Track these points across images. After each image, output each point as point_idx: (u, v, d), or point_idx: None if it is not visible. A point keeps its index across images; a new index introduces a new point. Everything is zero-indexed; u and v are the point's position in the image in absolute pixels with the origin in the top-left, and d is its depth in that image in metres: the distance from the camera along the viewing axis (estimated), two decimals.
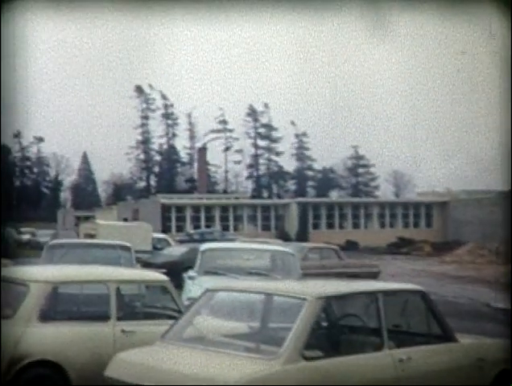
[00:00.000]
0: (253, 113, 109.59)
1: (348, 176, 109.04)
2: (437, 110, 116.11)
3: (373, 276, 25.02)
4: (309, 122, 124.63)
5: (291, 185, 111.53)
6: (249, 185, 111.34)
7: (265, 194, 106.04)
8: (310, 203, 63.84)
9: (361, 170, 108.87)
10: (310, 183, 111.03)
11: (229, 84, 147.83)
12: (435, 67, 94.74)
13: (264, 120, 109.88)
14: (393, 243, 54.93)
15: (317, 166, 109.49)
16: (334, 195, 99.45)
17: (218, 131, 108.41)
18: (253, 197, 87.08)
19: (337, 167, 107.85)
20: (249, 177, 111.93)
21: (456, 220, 58.96)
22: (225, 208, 59.08)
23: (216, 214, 57.91)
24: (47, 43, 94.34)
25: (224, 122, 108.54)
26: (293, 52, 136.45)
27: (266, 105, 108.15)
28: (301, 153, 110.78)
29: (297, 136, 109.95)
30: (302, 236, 54.28)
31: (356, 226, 60.72)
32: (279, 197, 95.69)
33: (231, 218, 58.32)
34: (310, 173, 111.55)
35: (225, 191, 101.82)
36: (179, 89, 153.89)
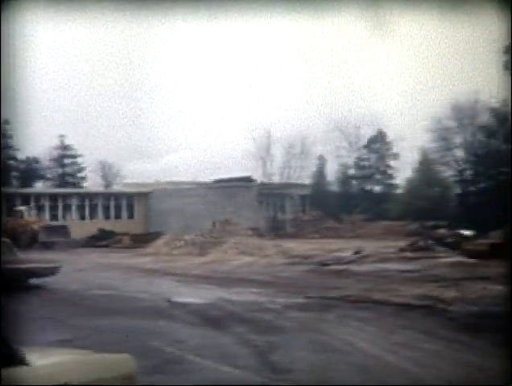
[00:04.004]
0: None
1: (53, 166, 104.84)
2: None
3: (52, 272, 22.94)
4: (12, 110, 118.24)
5: None
6: None
7: None
8: None
9: (67, 161, 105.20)
10: (14, 174, 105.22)
11: None
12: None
13: None
14: (93, 235, 53.14)
15: (21, 155, 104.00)
16: (39, 186, 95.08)
17: None
18: None
19: (42, 157, 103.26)
20: None
21: (159, 211, 58.52)
22: None
23: None
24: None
25: None
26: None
27: None
28: (4, 142, 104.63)
29: None
30: None
31: (54, 218, 57.61)
32: None
33: None
34: (13, 163, 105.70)
35: None
36: None
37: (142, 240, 47.90)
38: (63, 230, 51.08)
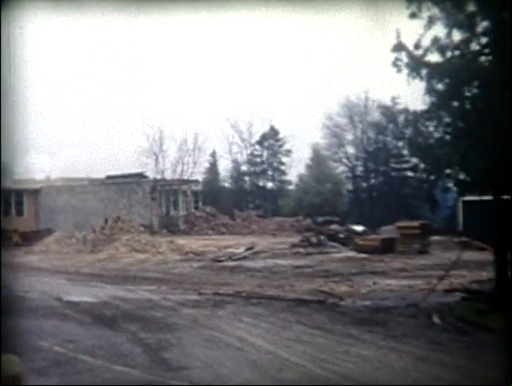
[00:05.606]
0: None
1: None
2: None
3: None
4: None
5: None
6: None
7: None
8: None
9: None
10: None
11: None
12: None
13: None
14: None
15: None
16: None
17: None
18: None
19: None
20: None
21: (50, 208, 57.16)
22: None
23: None
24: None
25: None
26: None
27: None
28: None
29: None
30: None
31: None
32: None
33: None
34: None
35: None
36: None
37: (31, 237, 46.60)
38: None
